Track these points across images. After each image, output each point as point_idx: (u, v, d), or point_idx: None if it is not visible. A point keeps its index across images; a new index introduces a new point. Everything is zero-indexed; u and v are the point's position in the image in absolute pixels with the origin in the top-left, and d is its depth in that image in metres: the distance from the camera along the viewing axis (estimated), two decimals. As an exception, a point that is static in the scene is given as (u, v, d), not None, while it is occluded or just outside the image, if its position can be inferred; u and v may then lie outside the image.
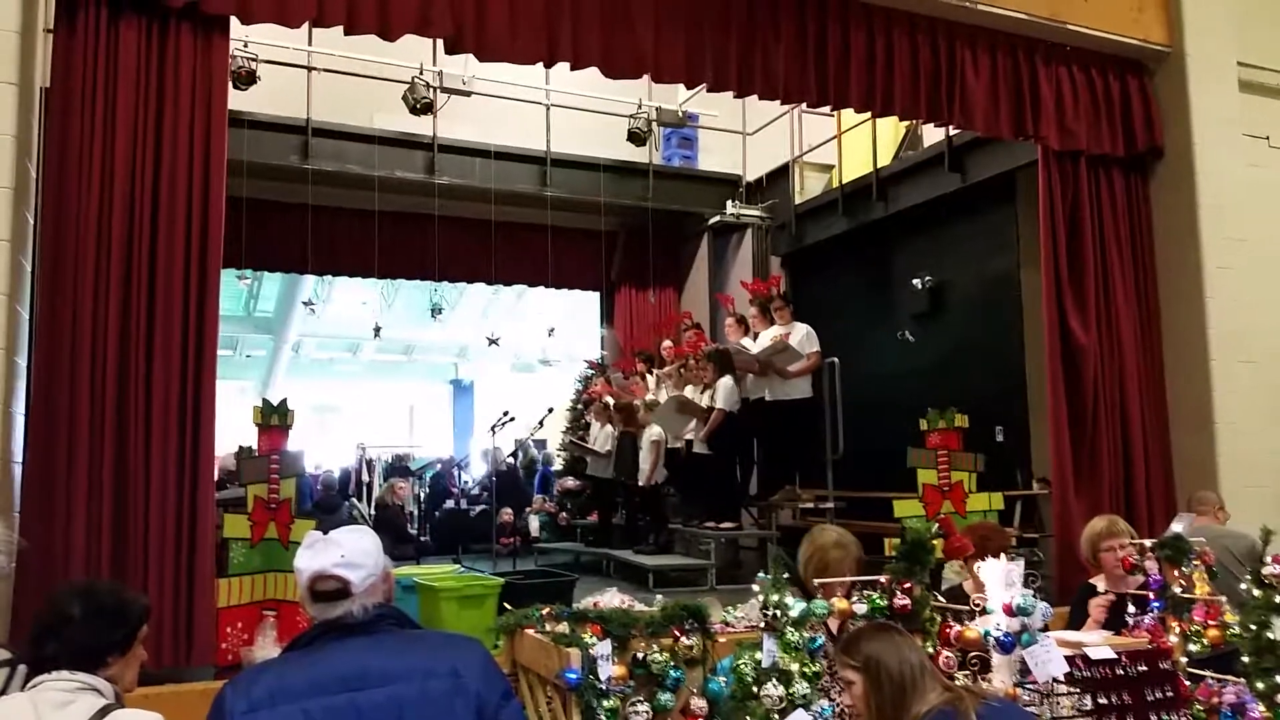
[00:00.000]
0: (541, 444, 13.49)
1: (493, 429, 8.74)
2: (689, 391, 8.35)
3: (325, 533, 2.17)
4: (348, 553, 2.10)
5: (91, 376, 4.08)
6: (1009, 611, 3.30)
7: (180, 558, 4.16)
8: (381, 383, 22.85)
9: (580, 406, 11.36)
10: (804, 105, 6.65)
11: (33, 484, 3.96)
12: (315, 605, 2.10)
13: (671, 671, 3.61)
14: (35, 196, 4.20)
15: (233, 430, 5.79)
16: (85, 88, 4.20)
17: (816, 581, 3.47)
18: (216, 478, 4.77)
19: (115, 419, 4.11)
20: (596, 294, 12.48)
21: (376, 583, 2.14)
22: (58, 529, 3.94)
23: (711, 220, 10.86)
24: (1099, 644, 4.07)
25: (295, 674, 2.00)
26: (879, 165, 8.97)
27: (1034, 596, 3.37)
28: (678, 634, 3.71)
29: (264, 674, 2.03)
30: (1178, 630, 4.34)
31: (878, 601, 3.61)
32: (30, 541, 3.91)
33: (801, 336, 7.89)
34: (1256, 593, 4.24)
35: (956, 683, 2.81)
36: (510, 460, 11.95)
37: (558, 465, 12.34)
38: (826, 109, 6.41)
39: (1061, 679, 3.55)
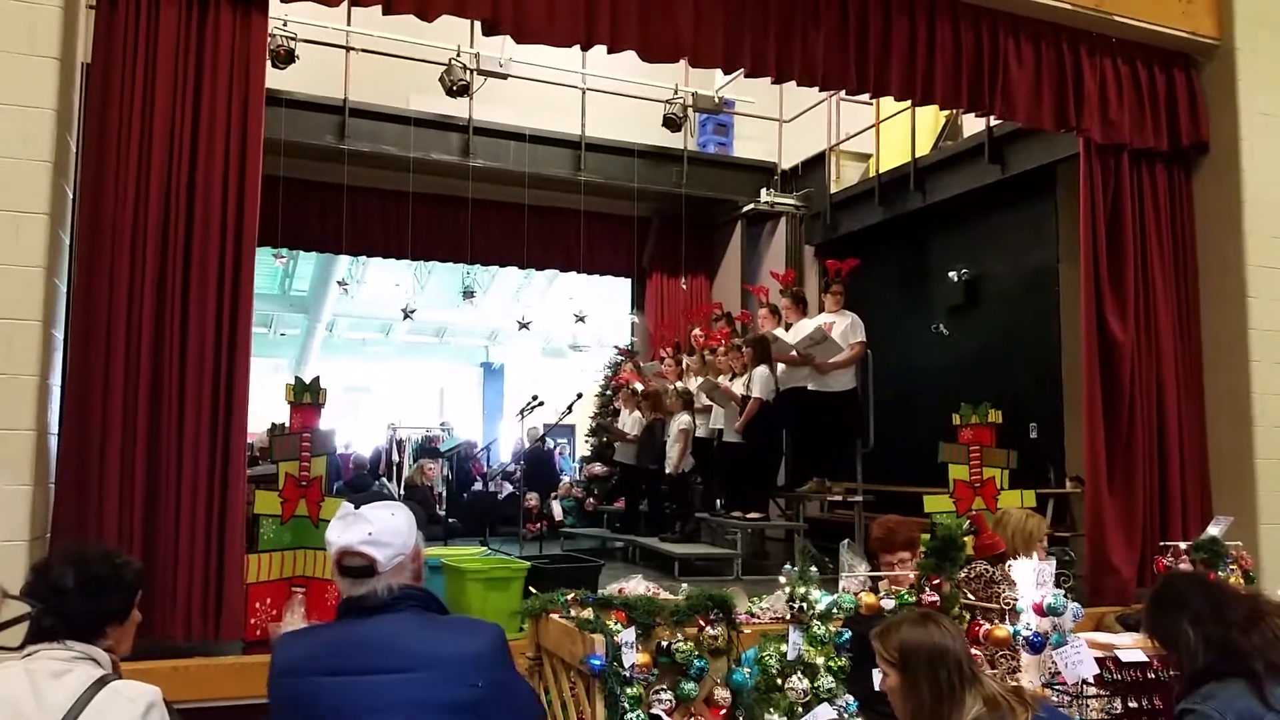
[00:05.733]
0: (569, 429, 13.46)
1: (521, 413, 8.74)
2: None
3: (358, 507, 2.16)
4: (376, 530, 2.08)
5: (127, 351, 4.11)
6: (1039, 611, 3.26)
7: (211, 533, 4.19)
8: (413, 364, 22.97)
9: (609, 392, 11.36)
10: (842, 93, 6.55)
11: (68, 456, 4.00)
12: (342, 580, 2.10)
13: (696, 661, 3.59)
14: (74, 171, 4.23)
15: (265, 407, 5.84)
16: (125, 64, 4.23)
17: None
18: (248, 454, 4.81)
19: (150, 394, 4.14)
20: (628, 280, 12.46)
21: (405, 562, 2.12)
22: (91, 501, 3.98)
23: (745, 208, 10.79)
24: (1130, 646, 4.02)
25: (322, 648, 2.02)
26: (917, 155, 8.86)
27: (1065, 596, 3.33)
28: (703, 623, 3.69)
29: (301, 641, 2.06)
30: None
31: (906, 597, 3.59)
32: (65, 512, 3.97)
33: (847, 325, 7.65)
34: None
35: (1003, 682, 2.65)
36: (539, 445, 11.97)
37: (584, 450, 12.32)
38: (865, 97, 6.32)
39: (1091, 681, 3.51)
